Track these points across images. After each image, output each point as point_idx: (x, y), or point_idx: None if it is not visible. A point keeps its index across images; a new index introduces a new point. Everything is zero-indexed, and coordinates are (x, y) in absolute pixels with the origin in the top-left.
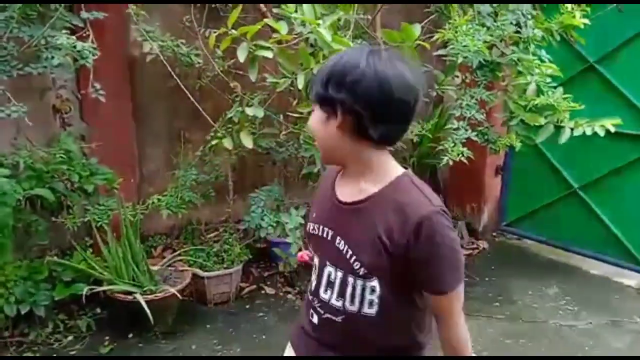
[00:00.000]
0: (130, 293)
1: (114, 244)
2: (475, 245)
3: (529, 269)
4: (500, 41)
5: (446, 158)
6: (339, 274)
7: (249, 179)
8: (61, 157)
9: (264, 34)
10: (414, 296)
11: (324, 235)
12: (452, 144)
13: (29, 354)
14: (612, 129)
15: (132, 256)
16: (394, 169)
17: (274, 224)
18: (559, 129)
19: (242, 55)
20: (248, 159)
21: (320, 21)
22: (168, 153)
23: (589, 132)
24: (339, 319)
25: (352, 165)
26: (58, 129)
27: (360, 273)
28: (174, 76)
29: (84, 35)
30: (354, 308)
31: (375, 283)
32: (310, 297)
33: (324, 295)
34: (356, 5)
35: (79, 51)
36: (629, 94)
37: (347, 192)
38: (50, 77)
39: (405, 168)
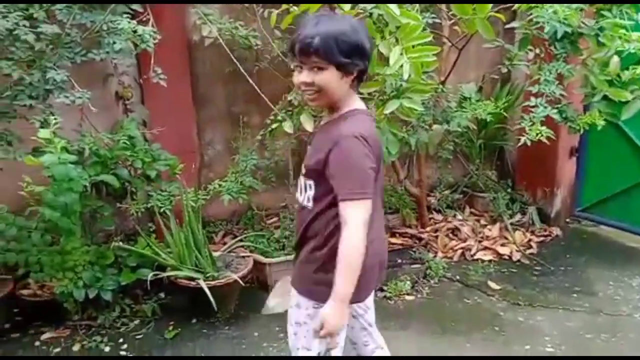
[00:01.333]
0: (193, 279)
1: (176, 230)
2: (547, 232)
3: (608, 257)
4: (580, 10)
5: (524, 138)
6: (301, 177)
7: None
8: (124, 143)
9: None
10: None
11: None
12: (530, 123)
13: (97, 338)
14: None
15: (194, 242)
16: (354, 104)
17: None
18: None
19: None
20: (308, 142)
21: None
22: (227, 138)
23: None
24: (298, 208)
25: (338, 104)
26: (120, 115)
27: (303, 172)
28: (233, 59)
29: (144, 19)
30: (301, 199)
31: (311, 182)
32: None
33: (297, 195)
34: None
35: (139, 35)
36: None
37: (325, 120)
38: (112, 64)
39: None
